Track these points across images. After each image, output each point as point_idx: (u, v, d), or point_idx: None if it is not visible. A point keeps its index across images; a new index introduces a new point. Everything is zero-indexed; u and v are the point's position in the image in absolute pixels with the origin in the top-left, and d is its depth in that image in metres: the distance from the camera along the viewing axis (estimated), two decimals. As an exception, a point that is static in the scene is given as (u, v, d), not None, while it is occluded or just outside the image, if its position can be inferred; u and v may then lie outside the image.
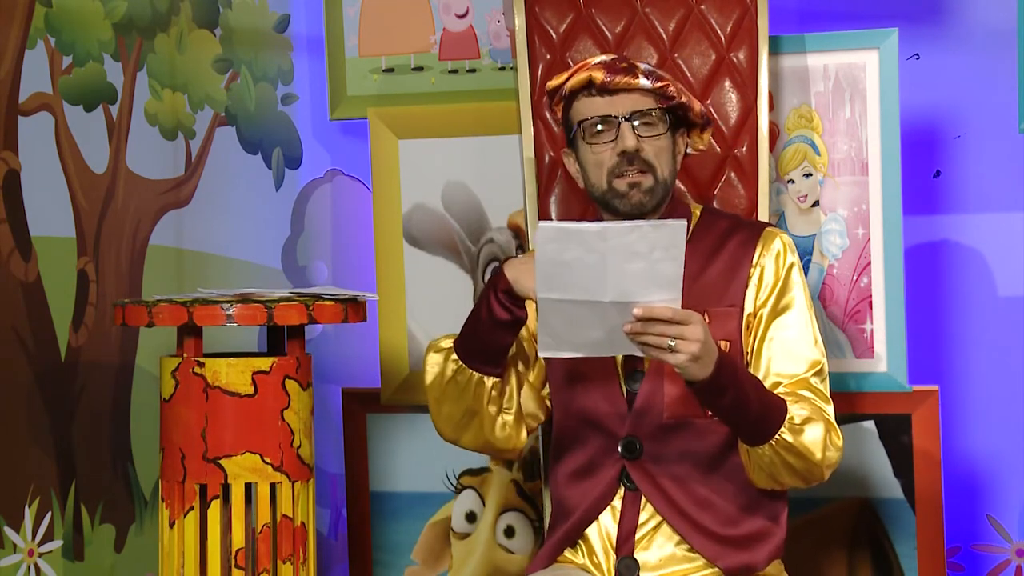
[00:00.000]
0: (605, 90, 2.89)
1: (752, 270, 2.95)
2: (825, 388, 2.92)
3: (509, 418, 2.98)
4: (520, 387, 3.01)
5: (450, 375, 2.93)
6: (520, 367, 3.01)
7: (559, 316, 2.66)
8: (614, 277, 2.62)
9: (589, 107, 2.91)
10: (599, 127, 2.90)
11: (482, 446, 3.02)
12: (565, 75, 2.95)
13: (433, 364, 2.96)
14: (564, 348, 2.70)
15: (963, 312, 3.80)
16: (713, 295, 2.94)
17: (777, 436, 2.80)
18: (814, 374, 2.91)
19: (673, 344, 2.65)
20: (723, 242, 2.98)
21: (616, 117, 2.89)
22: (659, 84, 2.90)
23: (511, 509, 3.85)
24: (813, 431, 2.82)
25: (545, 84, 3.32)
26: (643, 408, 2.92)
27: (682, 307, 2.65)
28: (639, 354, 2.68)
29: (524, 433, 3.02)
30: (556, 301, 2.65)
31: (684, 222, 2.60)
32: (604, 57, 2.95)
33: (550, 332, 2.68)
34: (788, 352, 2.92)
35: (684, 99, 2.92)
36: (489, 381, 2.93)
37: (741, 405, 2.77)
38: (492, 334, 2.90)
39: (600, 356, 2.79)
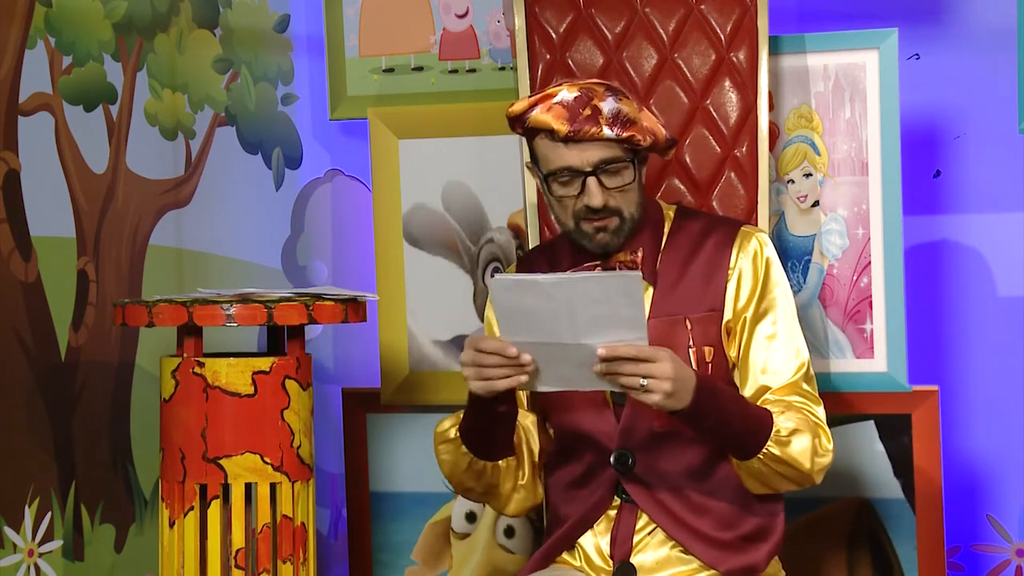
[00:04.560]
0: (568, 139, 2.80)
1: (730, 272, 2.93)
2: (813, 388, 2.93)
3: (523, 483, 2.99)
4: (528, 446, 3.00)
5: (465, 466, 2.93)
6: (523, 423, 3.01)
7: (529, 355, 2.67)
8: (574, 321, 2.62)
9: (553, 155, 2.83)
10: (565, 177, 2.83)
11: (501, 511, 3.05)
12: (525, 104, 2.84)
13: (445, 454, 2.95)
14: (538, 384, 2.72)
15: (963, 312, 3.79)
16: (693, 301, 2.92)
17: (764, 450, 2.81)
18: (802, 377, 2.91)
19: (645, 383, 2.65)
20: (699, 244, 2.96)
21: (581, 171, 2.82)
22: (625, 134, 2.80)
23: (511, 509, 3.85)
24: (800, 442, 2.83)
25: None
26: (632, 421, 2.91)
27: (656, 336, 2.69)
28: (615, 389, 2.69)
29: (540, 488, 3.02)
30: (522, 343, 2.66)
31: (639, 274, 2.59)
32: (566, 94, 2.81)
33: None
34: (774, 358, 2.91)
35: (650, 141, 2.85)
36: (503, 462, 2.95)
37: (724, 426, 2.79)
38: (492, 432, 2.89)
39: (576, 391, 2.79)
